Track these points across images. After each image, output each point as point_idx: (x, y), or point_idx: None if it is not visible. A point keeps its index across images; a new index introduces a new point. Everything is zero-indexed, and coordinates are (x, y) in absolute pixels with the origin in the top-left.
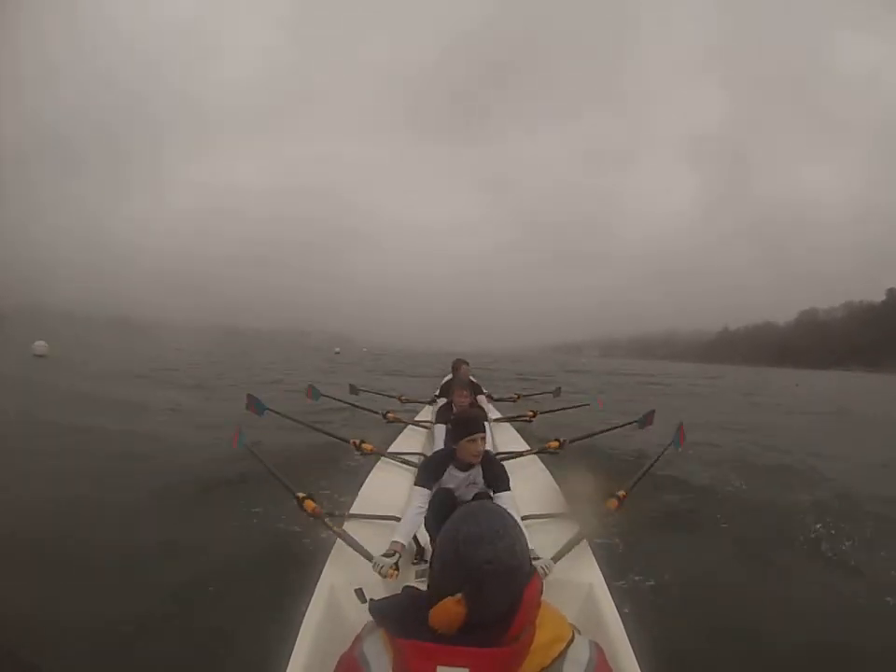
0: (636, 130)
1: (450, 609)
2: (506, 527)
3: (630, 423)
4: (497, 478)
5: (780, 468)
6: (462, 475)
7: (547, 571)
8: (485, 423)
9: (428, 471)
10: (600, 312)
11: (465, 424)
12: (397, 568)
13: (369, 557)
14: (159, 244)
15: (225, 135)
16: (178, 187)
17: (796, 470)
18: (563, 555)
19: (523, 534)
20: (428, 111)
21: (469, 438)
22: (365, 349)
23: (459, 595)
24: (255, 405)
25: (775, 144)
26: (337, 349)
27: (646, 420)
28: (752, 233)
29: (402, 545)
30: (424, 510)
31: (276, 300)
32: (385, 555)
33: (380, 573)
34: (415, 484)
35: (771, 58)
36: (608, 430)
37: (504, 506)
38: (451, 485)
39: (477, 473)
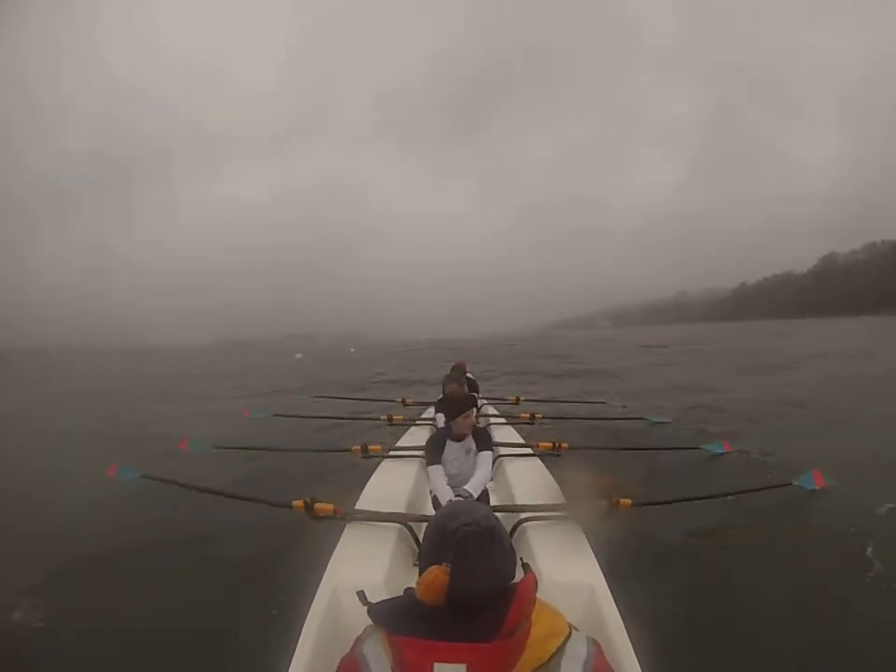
0: (626, 114)
1: (435, 576)
2: (480, 506)
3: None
4: (482, 441)
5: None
6: (458, 445)
7: None
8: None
9: (434, 450)
10: (608, 284)
11: (456, 403)
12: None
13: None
14: (172, 263)
15: (234, 154)
16: (190, 206)
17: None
18: (563, 556)
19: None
20: (425, 109)
21: (463, 415)
22: (353, 349)
23: (445, 564)
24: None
25: (759, 112)
26: (299, 354)
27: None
28: (753, 191)
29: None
30: (445, 479)
31: (286, 306)
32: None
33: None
34: (428, 465)
35: (743, 44)
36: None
37: (483, 462)
38: (452, 455)
39: (470, 442)
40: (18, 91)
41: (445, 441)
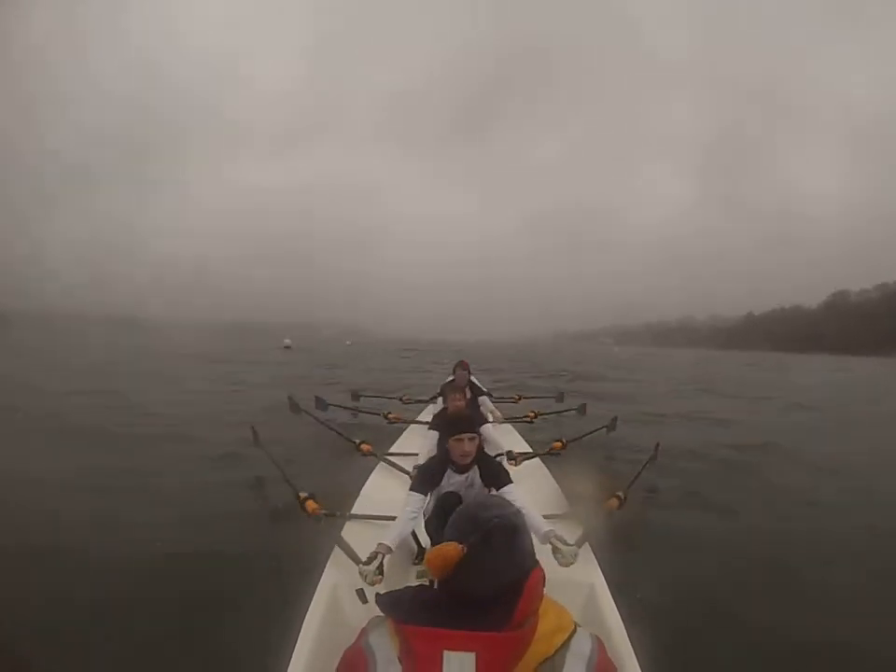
0: (638, 125)
1: (447, 551)
2: (512, 504)
3: (600, 428)
4: (494, 475)
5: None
6: (461, 478)
7: (571, 560)
8: (487, 424)
9: (424, 477)
10: (613, 299)
11: (451, 423)
12: (380, 573)
13: (362, 560)
14: (185, 247)
15: (246, 150)
16: (199, 203)
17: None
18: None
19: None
20: (432, 111)
21: (455, 437)
22: (349, 342)
23: (462, 545)
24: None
25: (771, 137)
26: (287, 341)
27: (612, 425)
28: (758, 207)
29: (388, 548)
30: (416, 514)
31: (294, 295)
32: (368, 560)
33: (365, 581)
34: (410, 489)
35: (756, 64)
36: (585, 435)
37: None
38: (452, 489)
39: (474, 475)
40: (43, 74)
41: (445, 470)
